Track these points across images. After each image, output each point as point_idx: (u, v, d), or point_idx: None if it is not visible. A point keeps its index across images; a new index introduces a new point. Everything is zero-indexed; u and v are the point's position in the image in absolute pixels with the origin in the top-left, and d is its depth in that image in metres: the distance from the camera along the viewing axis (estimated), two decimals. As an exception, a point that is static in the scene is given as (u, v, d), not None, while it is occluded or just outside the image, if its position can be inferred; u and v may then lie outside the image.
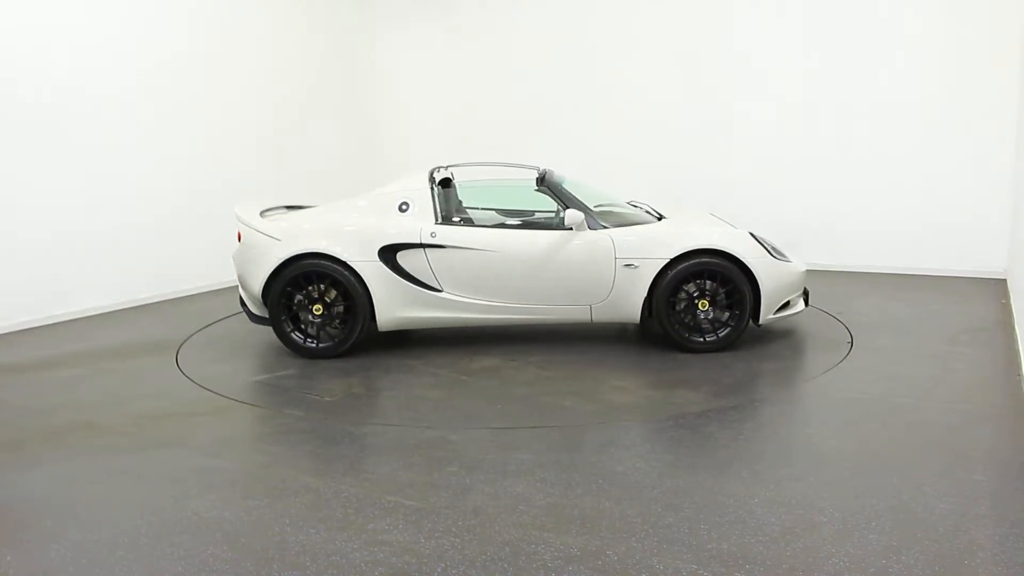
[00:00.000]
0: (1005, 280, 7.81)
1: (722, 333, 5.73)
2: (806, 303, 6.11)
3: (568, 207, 5.87)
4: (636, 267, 5.70)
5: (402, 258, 5.86)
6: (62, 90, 7.33)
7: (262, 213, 6.49)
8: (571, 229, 5.78)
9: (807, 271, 6.06)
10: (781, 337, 6.12)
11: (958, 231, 8.26)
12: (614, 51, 9.81)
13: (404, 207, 5.98)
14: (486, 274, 5.84)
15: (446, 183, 6.49)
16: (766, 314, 5.73)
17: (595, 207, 6.13)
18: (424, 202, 5.98)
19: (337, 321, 5.92)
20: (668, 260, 5.64)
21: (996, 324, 6.26)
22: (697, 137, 9.46)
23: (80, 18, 7.46)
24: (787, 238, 9.05)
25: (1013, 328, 6.02)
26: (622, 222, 6.01)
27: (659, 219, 6.22)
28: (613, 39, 9.79)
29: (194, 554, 3.07)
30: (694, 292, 5.70)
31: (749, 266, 5.60)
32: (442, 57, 10.98)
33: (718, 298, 5.68)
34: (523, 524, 3.23)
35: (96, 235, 7.66)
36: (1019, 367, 5.11)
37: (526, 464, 3.84)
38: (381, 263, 5.82)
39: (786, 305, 5.89)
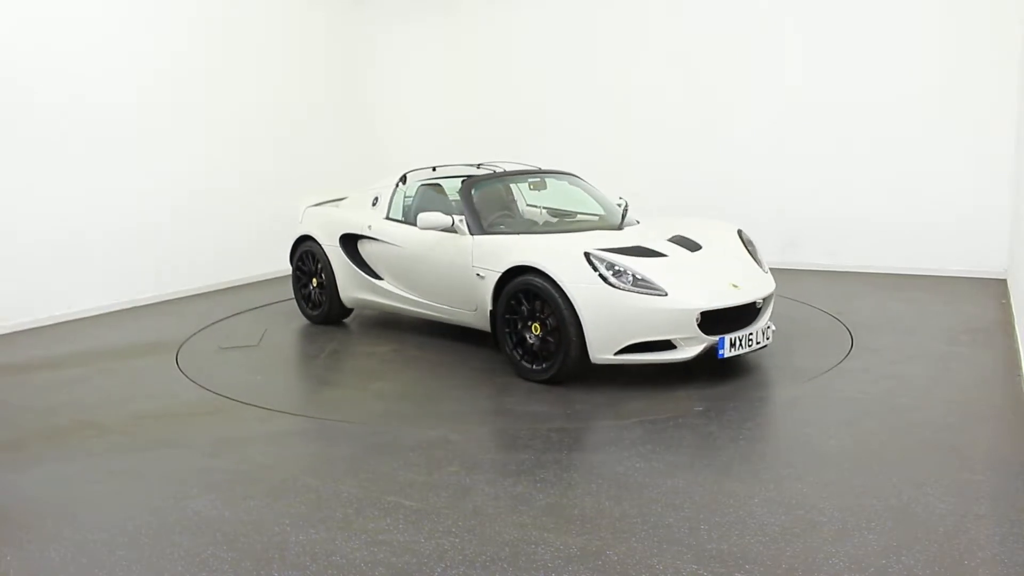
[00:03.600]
0: (1005, 280, 7.81)
1: (546, 364, 4.99)
2: (765, 341, 5.09)
3: (467, 211, 5.72)
4: (483, 277, 5.36)
5: (360, 246, 6.62)
6: (63, 93, 7.33)
7: (314, 205, 7.31)
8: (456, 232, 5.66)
9: (708, 310, 4.81)
10: (781, 337, 6.11)
11: (958, 231, 8.25)
12: (615, 50, 9.81)
13: (375, 202, 6.68)
14: (399, 268, 6.29)
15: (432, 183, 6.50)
16: (598, 350, 4.81)
17: (546, 209, 6.20)
18: (385, 198, 6.58)
19: (319, 293, 6.96)
20: (500, 274, 5.16)
21: (996, 324, 6.26)
22: (697, 137, 9.46)
23: (80, 21, 7.47)
24: (787, 237, 9.12)
25: (1013, 328, 6.01)
26: (560, 228, 5.86)
27: (617, 228, 5.79)
28: (614, 38, 9.79)
29: (194, 554, 3.07)
30: (526, 313, 5.07)
31: (566, 291, 4.79)
32: (442, 57, 10.98)
33: (548, 323, 4.95)
34: (523, 524, 3.23)
35: (96, 235, 7.66)
36: (1019, 367, 5.10)
37: (526, 464, 3.84)
38: (340, 248, 6.67)
39: (665, 346, 4.82)
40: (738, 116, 9.22)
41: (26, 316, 7.08)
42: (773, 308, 5.44)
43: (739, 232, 5.76)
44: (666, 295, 4.77)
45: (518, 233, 5.69)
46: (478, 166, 6.84)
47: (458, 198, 6.06)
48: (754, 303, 5.07)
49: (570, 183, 6.54)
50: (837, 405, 4.59)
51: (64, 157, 7.37)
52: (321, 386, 5.66)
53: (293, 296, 7.29)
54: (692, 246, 5.41)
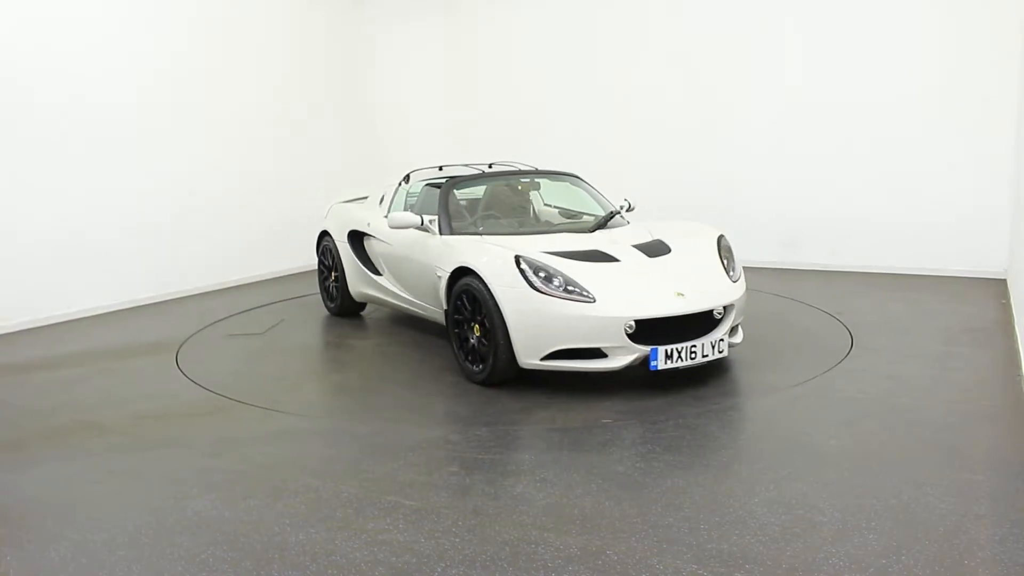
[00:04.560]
0: (1005, 280, 7.81)
1: (482, 366, 5.00)
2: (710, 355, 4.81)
3: (440, 211, 5.80)
4: (440, 277, 5.40)
5: (365, 243, 6.80)
6: (63, 93, 7.33)
7: (341, 202, 7.58)
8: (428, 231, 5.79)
9: (647, 319, 4.67)
10: (780, 337, 6.12)
11: (958, 231, 8.25)
12: (615, 50, 9.81)
13: (381, 200, 6.85)
14: (392, 265, 6.42)
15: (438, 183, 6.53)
16: (525, 355, 4.78)
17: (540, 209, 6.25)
18: (388, 197, 6.76)
19: (335, 286, 7.18)
20: (449, 274, 5.22)
21: (996, 324, 6.26)
22: (697, 137, 9.46)
23: (80, 21, 7.47)
24: (787, 237, 9.12)
25: (1013, 328, 6.01)
26: (531, 230, 5.82)
27: (591, 230, 5.75)
28: (614, 38, 9.79)
29: (194, 554, 3.07)
30: (467, 314, 5.09)
31: (494, 293, 4.79)
32: (442, 57, 10.98)
33: (486, 324, 4.93)
34: (523, 524, 3.23)
35: (96, 235, 7.66)
36: (1019, 367, 5.10)
37: (526, 464, 3.84)
38: (348, 244, 6.89)
39: (595, 354, 4.71)
40: (738, 116, 9.22)
41: (26, 316, 7.08)
42: (744, 318, 5.32)
43: (719, 239, 5.58)
44: (593, 302, 4.66)
45: (487, 234, 5.63)
46: (489, 165, 6.89)
47: (467, 198, 6.18)
48: (711, 313, 4.88)
49: (572, 183, 6.55)
50: (837, 405, 4.59)
51: (64, 157, 7.37)
52: (279, 374, 5.68)
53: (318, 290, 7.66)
54: (657, 251, 5.30)
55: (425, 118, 11.08)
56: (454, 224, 5.77)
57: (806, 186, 8.94)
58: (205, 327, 7.01)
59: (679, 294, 4.82)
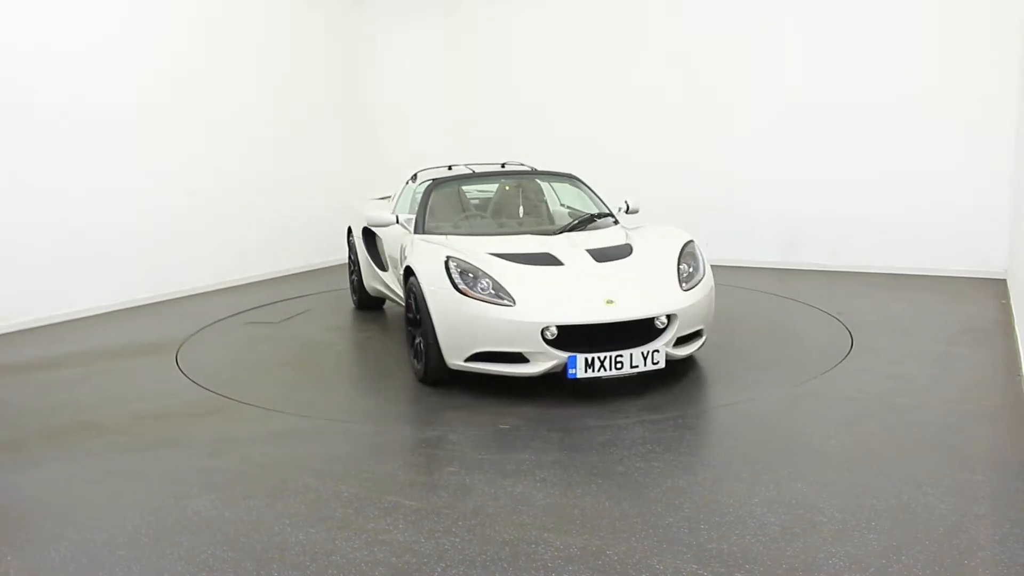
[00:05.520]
0: (1005, 280, 7.81)
1: (421, 365, 5.07)
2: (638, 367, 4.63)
3: (418, 211, 5.99)
4: (400, 276, 5.55)
5: (376, 240, 6.90)
6: (63, 93, 7.33)
7: (371, 199, 7.92)
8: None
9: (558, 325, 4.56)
10: (780, 337, 6.12)
11: (958, 231, 8.25)
12: (615, 50, 9.81)
13: (389, 198, 7.08)
14: (387, 261, 6.55)
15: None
16: (450, 356, 4.82)
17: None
18: (396, 196, 6.97)
19: (357, 280, 7.40)
20: (402, 273, 5.33)
21: (996, 324, 6.26)
22: (697, 137, 9.46)
23: (80, 21, 7.47)
24: (787, 237, 9.11)
25: (1013, 328, 6.01)
26: (496, 231, 5.85)
27: (556, 232, 5.73)
28: (614, 38, 9.79)
29: (194, 554, 3.07)
30: (413, 313, 5.15)
31: (424, 293, 4.88)
32: (442, 57, 10.98)
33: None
34: (523, 524, 3.23)
35: (96, 235, 7.66)
36: (1019, 367, 5.10)
37: (526, 464, 3.84)
38: (362, 240, 7.08)
39: (519, 359, 4.65)
40: (738, 116, 9.22)
41: (26, 316, 7.08)
42: (706, 326, 5.12)
43: (684, 245, 5.31)
44: (513, 306, 4.63)
45: (458, 234, 5.72)
46: (502, 165, 6.91)
47: (479, 197, 6.26)
48: (652, 321, 4.71)
49: (571, 184, 6.55)
50: (837, 405, 4.59)
51: (64, 157, 7.36)
52: (280, 373, 5.67)
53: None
54: (611, 256, 5.17)
55: (425, 118, 11.09)
56: (427, 223, 5.86)
57: (806, 186, 8.94)
58: (205, 327, 7.01)
59: (609, 301, 4.67)
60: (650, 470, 3.73)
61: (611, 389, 4.92)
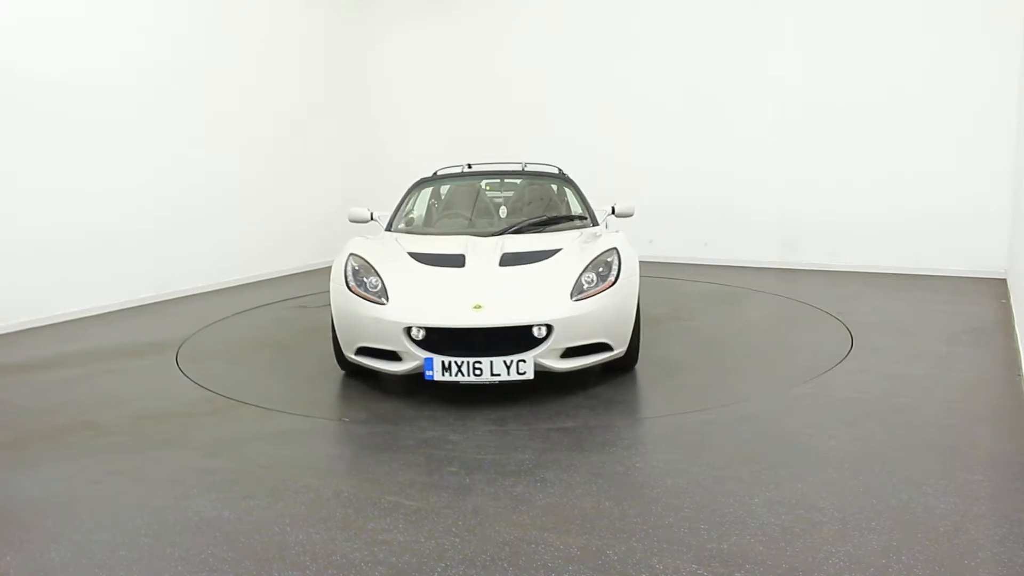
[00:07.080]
0: (1005, 280, 7.81)
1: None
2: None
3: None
4: None
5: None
6: (64, 93, 7.34)
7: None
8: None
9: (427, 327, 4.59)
10: (780, 337, 6.11)
11: (958, 231, 8.26)
12: (613, 52, 9.82)
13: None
14: None
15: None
16: (344, 349, 5.05)
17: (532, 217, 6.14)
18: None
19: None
20: None
21: (996, 324, 6.26)
22: (697, 137, 9.47)
23: (80, 19, 7.47)
24: (787, 237, 9.12)
25: (1013, 328, 6.01)
26: (449, 231, 5.92)
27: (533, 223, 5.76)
28: (613, 40, 9.79)
29: (194, 554, 3.07)
30: None
31: (330, 288, 5.20)
32: (441, 57, 10.98)
33: None
34: (523, 524, 3.22)
35: (96, 235, 7.67)
36: (1019, 367, 5.10)
37: (526, 464, 3.84)
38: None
39: (391, 357, 4.73)
40: (738, 116, 9.23)
41: (26, 316, 7.08)
42: (615, 340, 4.81)
43: (601, 253, 5.02)
44: (384, 305, 4.75)
45: (409, 233, 5.97)
46: (524, 166, 6.88)
47: (490, 196, 6.39)
48: (530, 329, 4.54)
49: (558, 184, 6.55)
50: (837, 405, 4.59)
51: (64, 157, 7.37)
52: (280, 373, 5.61)
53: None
54: (521, 260, 5.05)
55: (425, 118, 11.09)
56: (394, 221, 6.16)
57: (806, 186, 8.95)
58: (205, 327, 7.01)
59: (477, 306, 4.58)
60: (650, 470, 3.73)
61: (610, 390, 4.92)
